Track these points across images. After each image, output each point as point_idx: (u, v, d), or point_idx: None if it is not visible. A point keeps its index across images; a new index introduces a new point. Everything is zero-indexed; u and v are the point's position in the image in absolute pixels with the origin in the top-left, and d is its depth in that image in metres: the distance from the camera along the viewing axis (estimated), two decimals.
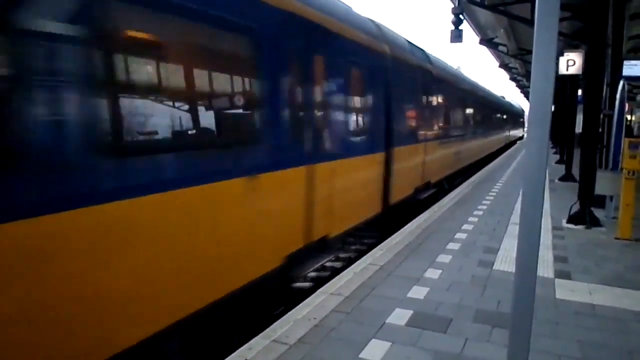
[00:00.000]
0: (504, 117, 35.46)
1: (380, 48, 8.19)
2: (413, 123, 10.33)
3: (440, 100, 13.00)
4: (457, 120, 16.00)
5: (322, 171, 5.98)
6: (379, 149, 8.12)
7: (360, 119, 7.68)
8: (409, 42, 10.52)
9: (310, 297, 5.13)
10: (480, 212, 9.90)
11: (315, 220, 5.86)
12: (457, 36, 12.73)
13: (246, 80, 4.81)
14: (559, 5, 2.53)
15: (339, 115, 6.75)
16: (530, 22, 12.30)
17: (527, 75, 28.50)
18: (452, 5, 12.60)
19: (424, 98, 11.20)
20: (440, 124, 13.18)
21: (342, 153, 6.72)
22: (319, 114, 6.05)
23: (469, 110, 18.46)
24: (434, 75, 11.77)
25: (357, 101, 7.55)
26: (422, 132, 10.89)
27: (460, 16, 12.71)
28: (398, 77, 9.04)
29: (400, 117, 9.30)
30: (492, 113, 27.21)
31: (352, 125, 7.27)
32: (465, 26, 14.51)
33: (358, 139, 7.39)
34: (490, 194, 12.51)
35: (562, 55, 12.56)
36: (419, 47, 11.34)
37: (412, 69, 10.12)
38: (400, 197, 9.22)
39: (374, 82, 7.97)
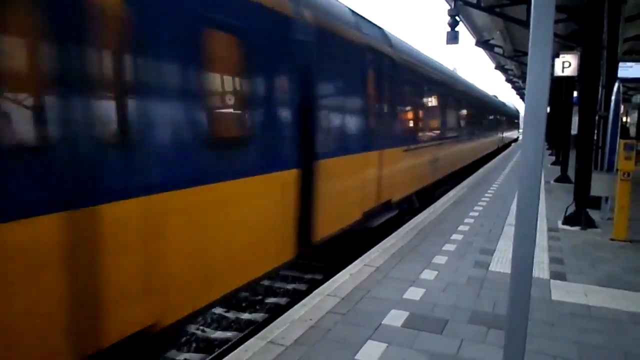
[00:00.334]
0: (496, 117, 31.87)
1: (289, 11, 5.36)
2: (361, 124, 7.61)
3: (406, 94, 10.31)
4: (432, 120, 13.03)
5: (128, 215, 3.30)
6: (282, 165, 5.29)
7: (226, 116, 4.73)
8: (356, 14, 7.84)
9: (307, 298, 5.13)
10: (477, 213, 9.91)
11: (119, 308, 3.25)
12: (453, 38, 12.77)
13: None
14: (554, 7, 2.54)
15: (168, 109, 3.74)
16: (525, 24, 12.35)
17: (523, 76, 28.58)
18: (448, 7, 12.64)
19: (380, 91, 8.38)
20: (407, 126, 10.67)
21: (182, 178, 3.82)
22: (107, 101, 3.27)
23: (450, 109, 15.68)
24: (396, 62, 9.17)
25: (219, 86, 4.59)
26: (377, 136, 8.17)
27: (456, 18, 12.77)
28: (329, 58, 6.43)
29: (336, 117, 6.65)
30: (481, 113, 23.83)
31: (204, 128, 4.11)
32: (462, 28, 14.58)
33: (219, 152, 4.31)
34: (486, 195, 12.53)
35: (558, 57, 12.62)
36: (374, 24, 8.75)
37: (358, 50, 7.37)
38: (334, 230, 6.61)
39: (272, 59, 5.14)
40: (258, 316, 6.30)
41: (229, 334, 5.81)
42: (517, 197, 2.60)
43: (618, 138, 8.74)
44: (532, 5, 2.44)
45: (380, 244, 7.38)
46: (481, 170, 19.37)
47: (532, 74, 2.54)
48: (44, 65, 2.83)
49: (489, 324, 4.47)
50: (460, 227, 8.56)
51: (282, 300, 6.78)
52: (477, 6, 12.83)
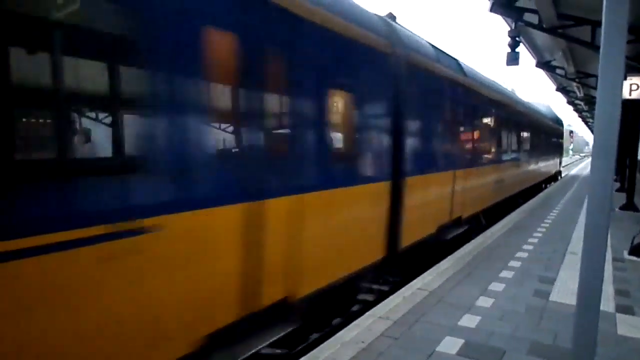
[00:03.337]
0: (512, 134, 15.54)
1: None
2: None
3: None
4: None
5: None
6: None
7: None
8: None
9: (359, 319, 5.09)
10: (535, 240, 9.57)
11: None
12: (513, 59, 12.51)
13: None
14: (626, 32, 2.46)
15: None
16: (590, 45, 11.96)
17: (586, 99, 27.54)
18: (509, 28, 12.42)
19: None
20: None
21: None
22: None
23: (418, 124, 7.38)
24: None
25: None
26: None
27: (517, 39, 12.50)
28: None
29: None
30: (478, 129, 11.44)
31: None
32: (522, 48, 14.24)
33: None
34: (545, 220, 12.09)
35: (625, 79, 12.11)
36: None
37: None
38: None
39: None
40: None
41: (278, 351, 5.82)
42: (584, 227, 2.50)
43: None
44: (603, 31, 2.38)
45: (435, 267, 7.25)
46: (540, 195, 18.69)
47: (602, 100, 2.47)
48: None
49: (549, 357, 4.28)
50: (519, 254, 8.28)
51: (334, 320, 6.74)
52: (538, 27, 12.55)
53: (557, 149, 29.65)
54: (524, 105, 18.14)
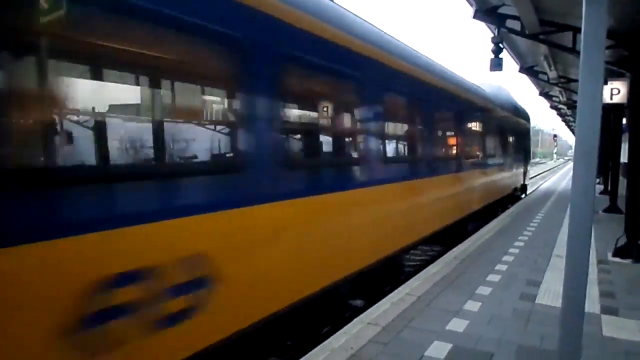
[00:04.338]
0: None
1: None
2: None
3: None
4: None
5: None
6: None
7: None
8: None
9: (347, 325, 5.09)
10: (522, 243, 9.66)
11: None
12: (496, 65, 12.64)
13: None
14: (605, 38, 2.51)
15: None
16: (571, 51, 12.14)
17: (568, 103, 27.88)
18: (492, 35, 12.56)
19: None
20: None
21: None
22: None
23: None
24: None
25: None
26: None
27: (500, 45, 12.65)
28: None
29: None
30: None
31: None
32: (505, 54, 14.38)
33: None
34: (531, 224, 12.21)
35: (607, 83, 12.30)
36: None
37: None
38: None
39: None
40: None
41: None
42: (568, 231, 2.54)
43: None
44: (582, 38, 2.42)
45: (422, 272, 7.28)
46: (525, 199, 18.79)
47: (582, 106, 2.51)
48: None
49: None
50: (505, 257, 8.34)
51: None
52: (521, 33, 12.70)
53: (518, 155, 19.37)
54: (437, 74, 9.42)
